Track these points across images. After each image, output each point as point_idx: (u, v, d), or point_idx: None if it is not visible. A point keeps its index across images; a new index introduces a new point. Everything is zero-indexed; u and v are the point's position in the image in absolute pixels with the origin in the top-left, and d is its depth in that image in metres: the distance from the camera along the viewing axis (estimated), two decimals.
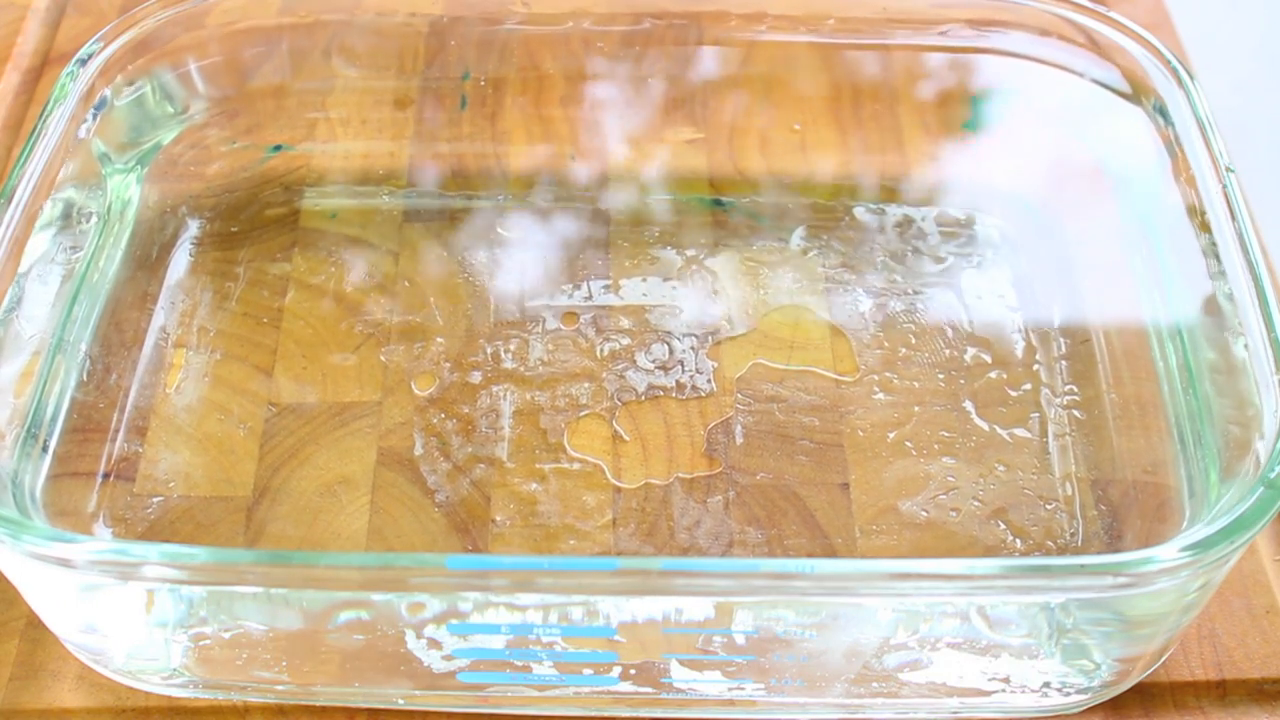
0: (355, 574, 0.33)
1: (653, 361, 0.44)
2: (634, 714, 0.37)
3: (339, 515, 0.40)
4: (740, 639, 0.34)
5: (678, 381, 0.43)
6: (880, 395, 0.43)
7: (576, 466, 0.41)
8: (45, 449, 0.40)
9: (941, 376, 0.43)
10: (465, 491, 0.41)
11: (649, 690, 0.36)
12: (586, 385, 0.43)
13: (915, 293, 0.45)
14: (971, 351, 0.44)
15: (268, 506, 0.40)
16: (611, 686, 0.36)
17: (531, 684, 0.36)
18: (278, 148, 0.49)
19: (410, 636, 0.34)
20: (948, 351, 0.44)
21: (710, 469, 0.41)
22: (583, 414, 0.42)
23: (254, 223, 0.47)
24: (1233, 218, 0.38)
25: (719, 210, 0.48)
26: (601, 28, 0.49)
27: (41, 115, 0.41)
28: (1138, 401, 0.41)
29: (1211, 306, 0.38)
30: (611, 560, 0.32)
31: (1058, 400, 0.42)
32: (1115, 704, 0.37)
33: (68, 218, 0.42)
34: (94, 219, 0.44)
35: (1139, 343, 0.42)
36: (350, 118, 0.50)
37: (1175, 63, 0.42)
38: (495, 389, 0.43)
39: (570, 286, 0.46)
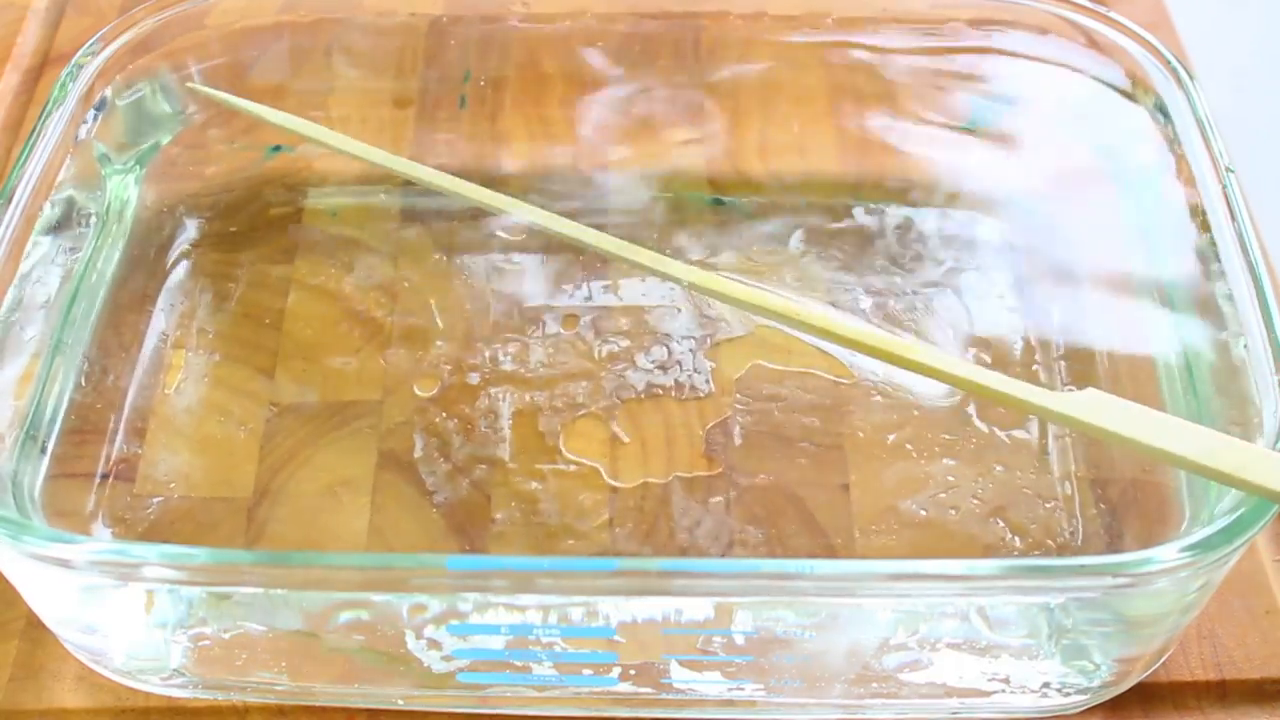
0: (355, 574, 0.33)
1: (652, 362, 0.44)
2: (634, 714, 0.37)
3: (339, 516, 0.40)
4: (740, 639, 0.34)
5: (676, 382, 0.43)
6: (879, 396, 0.43)
7: (575, 467, 0.41)
8: (44, 450, 0.40)
9: None
10: (465, 492, 0.41)
11: (649, 691, 0.36)
12: (585, 386, 0.43)
13: (914, 293, 0.45)
14: (971, 352, 0.44)
15: (268, 507, 0.40)
16: (611, 687, 0.36)
17: (531, 684, 0.36)
18: (277, 148, 0.49)
19: (410, 637, 0.35)
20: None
21: (709, 470, 0.41)
22: (581, 415, 0.42)
23: (253, 224, 0.47)
24: (1232, 218, 0.38)
25: (718, 210, 0.48)
26: (601, 27, 0.49)
27: (41, 116, 0.41)
28: (1138, 401, 0.41)
29: (1211, 306, 0.38)
30: (611, 561, 0.32)
31: None
32: (1115, 704, 0.37)
33: (67, 219, 0.42)
34: (93, 220, 0.44)
35: (1139, 343, 0.42)
36: (350, 118, 0.50)
37: (1175, 63, 0.42)
38: (495, 390, 0.43)
39: (570, 287, 0.46)
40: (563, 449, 0.42)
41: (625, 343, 0.44)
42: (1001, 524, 0.40)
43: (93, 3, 0.56)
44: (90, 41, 0.44)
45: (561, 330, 0.44)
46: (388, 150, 0.49)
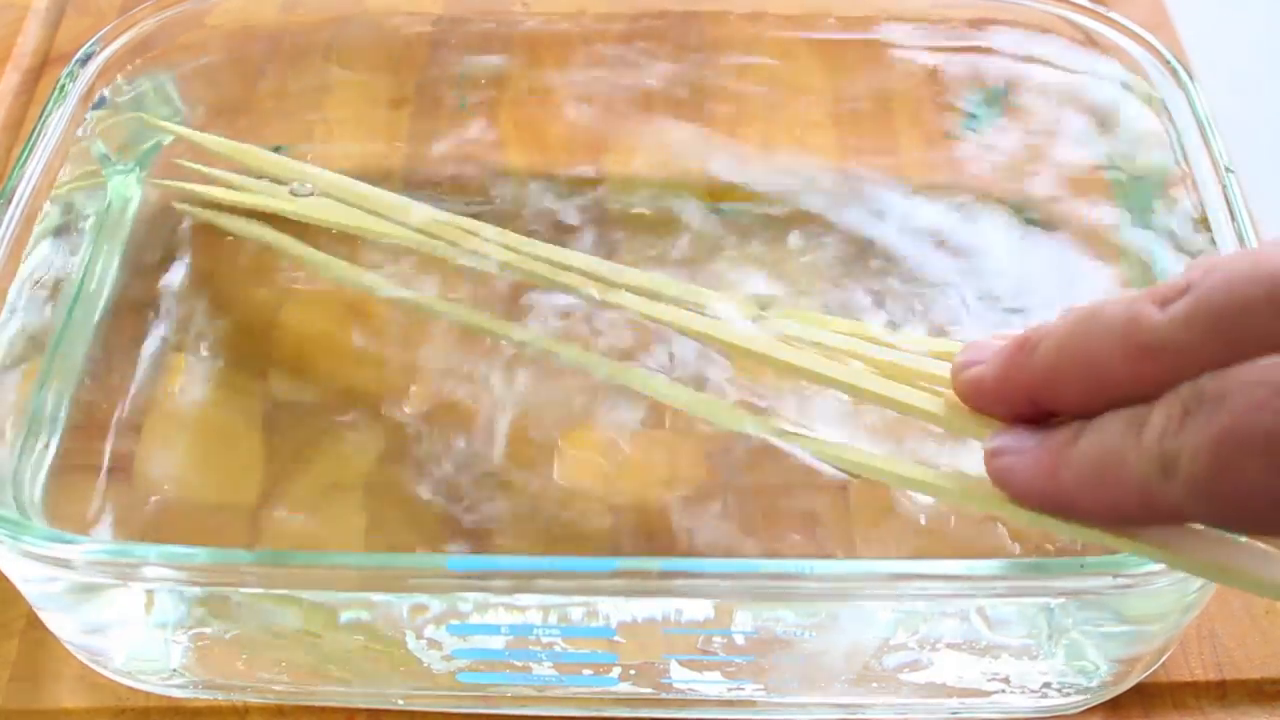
0: (355, 574, 0.33)
1: (653, 365, 0.43)
2: (634, 714, 0.37)
3: (338, 516, 0.40)
4: (740, 639, 0.34)
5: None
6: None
7: (575, 468, 0.41)
8: (45, 450, 0.40)
9: None
10: (464, 493, 0.41)
11: (649, 691, 0.36)
12: (586, 387, 0.43)
13: (915, 294, 0.45)
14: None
15: (267, 507, 0.40)
16: (611, 687, 0.36)
17: (531, 684, 0.36)
18: (277, 149, 0.49)
19: (410, 637, 0.35)
20: None
21: (710, 472, 0.41)
22: (582, 416, 0.42)
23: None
24: (1232, 218, 0.38)
25: (718, 210, 0.48)
26: (601, 27, 0.49)
27: (41, 115, 0.41)
28: None
29: None
30: (611, 561, 0.32)
31: None
32: (1115, 704, 0.37)
33: (68, 219, 0.42)
34: (94, 220, 0.44)
35: None
36: (349, 118, 0.50)
37: (1175, 62, 0.42)
38: (494, 390, 0.43)
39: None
40: (563, 450, 0.42)
41: (626, 345, 0.44)
42: (1002, 527, 0.40)
43: (93, 3, 0.56)
44: (90, 41, 0.44)
45: (563, 332, 0.44)
46: (387, 149, 0.49)
